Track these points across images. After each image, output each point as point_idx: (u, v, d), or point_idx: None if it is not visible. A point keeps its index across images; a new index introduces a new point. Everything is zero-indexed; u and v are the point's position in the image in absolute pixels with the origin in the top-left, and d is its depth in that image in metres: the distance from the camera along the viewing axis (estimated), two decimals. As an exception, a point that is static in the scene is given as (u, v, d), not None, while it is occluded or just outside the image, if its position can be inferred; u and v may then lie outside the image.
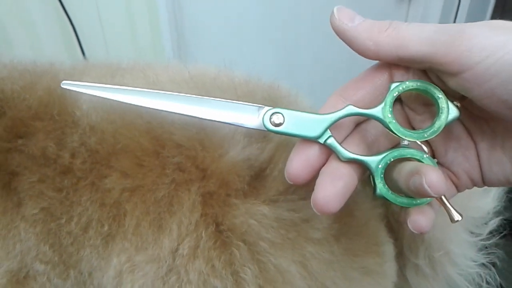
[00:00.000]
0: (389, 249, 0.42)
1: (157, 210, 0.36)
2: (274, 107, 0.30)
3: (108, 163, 0.36)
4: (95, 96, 0.31)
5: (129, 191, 0.36)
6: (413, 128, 0.32)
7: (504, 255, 0.53)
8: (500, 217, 0.52)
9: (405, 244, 0.48)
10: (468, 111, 0.30)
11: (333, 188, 0.28)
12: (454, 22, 1.70)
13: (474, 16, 1.74)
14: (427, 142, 0.32)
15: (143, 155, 0.36)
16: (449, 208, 0.30)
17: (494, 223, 0.52)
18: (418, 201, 0.29)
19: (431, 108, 0.31)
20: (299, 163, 0.30)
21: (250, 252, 0.36)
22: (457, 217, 0.29)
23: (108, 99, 0.31)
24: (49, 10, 1.03)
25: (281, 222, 0.37)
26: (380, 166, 0.29)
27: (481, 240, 0.51)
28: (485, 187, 0.33)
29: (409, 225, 0.29)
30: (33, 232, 0.37)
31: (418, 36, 0.27)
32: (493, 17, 1.83)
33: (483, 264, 0.51)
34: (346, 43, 0.30)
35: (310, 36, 1.51)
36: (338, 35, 0.30)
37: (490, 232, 0.51)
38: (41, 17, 1.03)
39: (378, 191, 0.30)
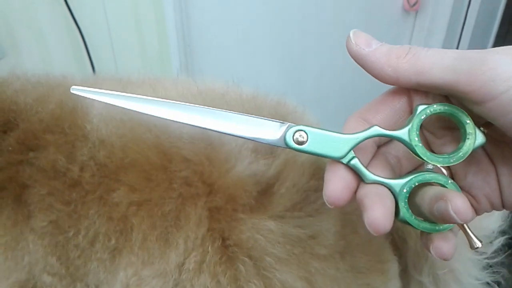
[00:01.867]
0: (393, 266, 0.43)
1: (164, 224, 0.36)
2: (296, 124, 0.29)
3: (117, 177, 0.37)
4: (106, 103, 0.29)
5: (136, 205, 0.36)
6: (432, 151, 0.32)
7: (508, 274, 0.53)
8: (505, 236, 0.52)
9: (409, 261, 0.48)
10: (489, 136, 0.29)
11: (383, 207, 0.27)
12: (461, 34, 1.69)
13: (480, 28, 1.73)
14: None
15: (151, 169, 0.36)
16: (470, 235, 0.29)
17: (499, 242, 0.52)
18: (441, 227, 0.29)
19: (451, 132, 0.30)
20: (337, 185, 0.28)
21: (256, 267, 0.36)
22: (477, 244, 0.29)
23: (125, 108, 0.29)
24: (58, 18, 1.04)
25: (287, 238, 0.37)
26: (404, 190, 0.28)
27: (486, 258, 0.51)
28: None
29: (432, 252, 0.29)
30: (41, 244, 0.38)
31: (439, 63, 0.26)
32: (500, 28, 1.82)
33: (488, 283, 0.51)
34: (363, 68, 0.29)
35: (316, 50, 1.52)
36: (355, 60, 0.29)
37: (495, 251, 0.51)
38: (50, 26, 1.05)
39: (401, 215, 0.29)
